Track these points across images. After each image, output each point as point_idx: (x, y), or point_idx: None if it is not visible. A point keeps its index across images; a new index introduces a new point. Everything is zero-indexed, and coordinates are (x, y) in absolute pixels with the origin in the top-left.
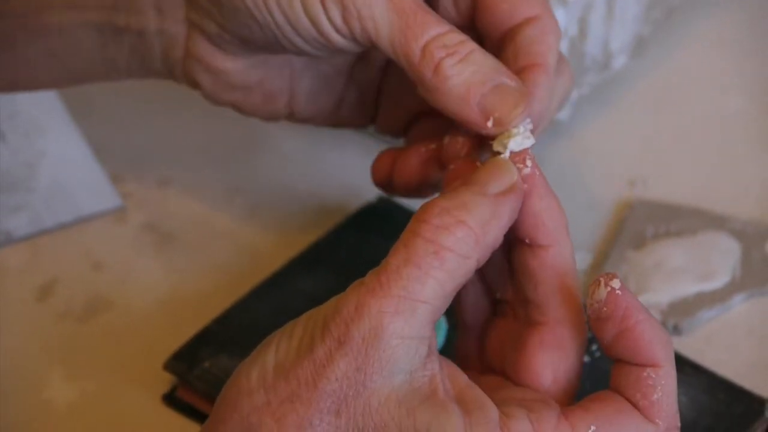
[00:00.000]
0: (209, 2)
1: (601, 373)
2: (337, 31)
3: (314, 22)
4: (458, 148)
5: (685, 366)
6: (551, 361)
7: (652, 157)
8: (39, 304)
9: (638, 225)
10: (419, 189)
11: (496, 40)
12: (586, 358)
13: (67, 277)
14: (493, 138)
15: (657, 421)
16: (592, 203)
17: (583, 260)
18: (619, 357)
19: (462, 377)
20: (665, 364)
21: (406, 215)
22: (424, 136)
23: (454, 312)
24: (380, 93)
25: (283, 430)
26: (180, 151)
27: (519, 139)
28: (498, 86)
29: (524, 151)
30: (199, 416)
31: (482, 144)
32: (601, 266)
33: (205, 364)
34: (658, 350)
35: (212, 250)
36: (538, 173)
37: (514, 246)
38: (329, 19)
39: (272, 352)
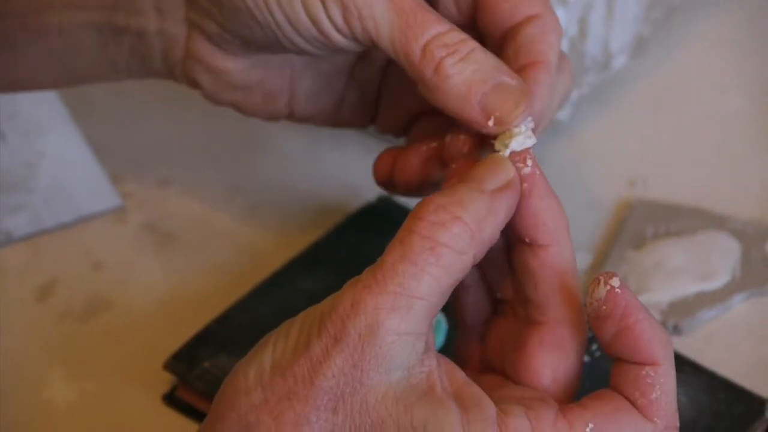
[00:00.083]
0: (209, 2)
1: (601, 372)
2: (338, 30)
3: (315, 22)
4: (460, 147)
5: (685, 366)
6: (551, 360)
7: (652, 157)
8: (39, 304)
9: (638, 225)
10: (421, 188)
11: (497, 39)
12: (586, 358)
13: (67, 277)
14: (494, 137)
15: (655, 419)
16: (592, 203)
17: (583, 260)
18: (618, 355)
19: (459, 374)
20: (664, 362)
21: (406, 215)
22: (425, 135)
23: (454, 312)
24: (381, 92)
25: (281, 427)
26: (180, 151)
27: (520, 139)
28: (499, 85)
29: (525, 151)
30: (199, 416)
31: (484, 142)
32: (601, 266)
33: (205, 364)
34: (657, 349)
35: (212, 250)
36: (538, 173)
37: (514, 245)
38: (330, 18)
39: (269, 351)
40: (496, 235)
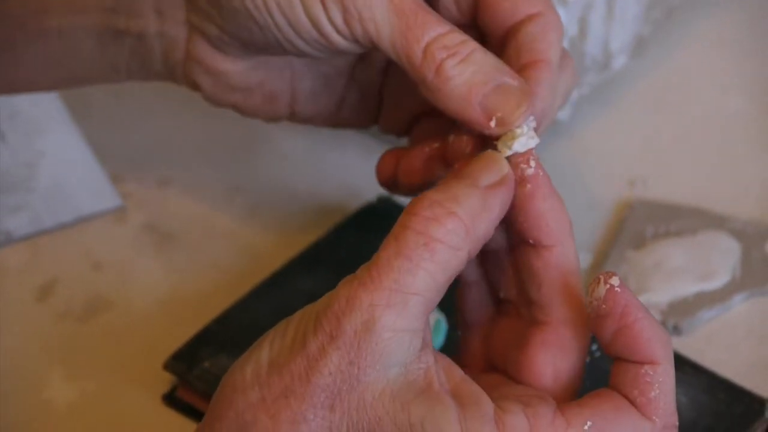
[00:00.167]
0: (209, 4)
1: (601, 372)
2: (338, 32)
3: (315, 24)
4: (462, 147)
5: (685, 366)
6: (553, 361)
7: (652, 157)
8: (39, 304)
9: (638, 225)
10: (424, 188)
11: (498, 38)
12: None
13: (67, 277)
14: (496, 138)
15: (654, 418)
16: (592, 203)
17: (583, 260)
18: (617, 355)
19: (457, 371)
20: (663, 361)
21: None
22: (428, 135)
23: (455, 311)
24: (382, 93)
25: (278, 425)
26: (180, 151)
27: (523, 140)
28: (500, 86)
29: (528, 152)
30: (199, 416)
31: (486, 143)
32: (601, 266)
33: (205, 364)
34: (656, 348)
35: (212, 250)
36: (541, 173)
37: (517, 246)
38: (330, 20)
39: (266, 349)
40: (491, 230)
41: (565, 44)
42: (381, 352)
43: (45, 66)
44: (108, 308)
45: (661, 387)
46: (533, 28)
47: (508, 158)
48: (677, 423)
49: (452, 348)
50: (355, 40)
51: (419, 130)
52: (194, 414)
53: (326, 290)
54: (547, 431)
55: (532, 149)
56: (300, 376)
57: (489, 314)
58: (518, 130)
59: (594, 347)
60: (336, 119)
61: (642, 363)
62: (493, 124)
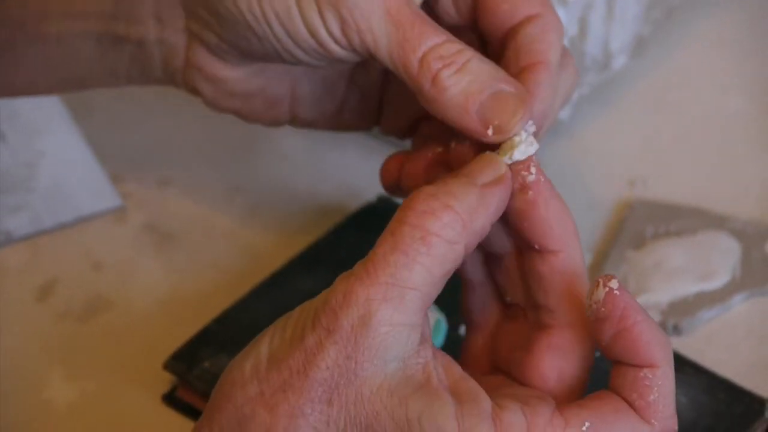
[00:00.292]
0: (208, 13)
1: (601, 373)
2: (336, 42)
3: (313, 34)
4: (464, 153)
5: (685, 366)
6: (558, 364)
7: (652, 157)
8: (39, 304)
9: (638, 225)
10: None
11: (498, 40)
12: None
13: (67, 277)
14: (495, 146)
15: (653, 421)
16: (592, 203)
17: None
18: (617, 358)
19: (456, 368)
20: (663, 364)
21: None
22: (430, 137)
23: (455, 312)
24: (383, 95)
25: (276, 419)
26: (180, 151)
27: (522, 148)
28: (496, 93)
29: (528, 159)
30: (198, 416)
31: (488, 148)
32: (601, 266)
33: (204, 364)
34: (655, 351)
35: (212, 250)
36: (542, 179)
37: (523, 252)
38: (328, 30)
39: (266, 345)
40: (487, 227)
41: (566, 44)
42: (378, 347)
43: (44, 70)
44: (108, 308)
45: (660, 390)
46: (532, 29)
47: (508, 166)
48: (676, 427)
49: (452, 348)
50: (353, 50)
51: (421, 132)
52: (194, 414)
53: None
54: (544, 430)
55: (531, 156)
56: (298, 371)
57: (494, 316)
58: (516, 138)
59: None
60: (337, 123)
61: (641, 366)
62: (490, 132)
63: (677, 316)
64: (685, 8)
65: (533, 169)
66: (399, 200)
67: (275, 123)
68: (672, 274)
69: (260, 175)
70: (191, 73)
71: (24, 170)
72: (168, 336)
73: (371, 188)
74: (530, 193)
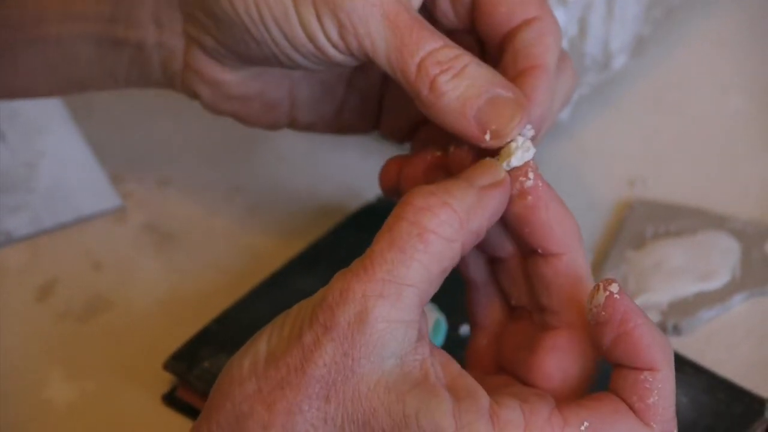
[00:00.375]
0: (206, 17)
1: (601, 373)
2: (334, 46)
3: (311, 38)
4: (463, 158)
5: (685, 366)
6: (562, 365)
7: (652, 157)
8: (39, 304)
9: (638, 225)
10: None
11: (496, 44)
12: None
13: (67, 277)
14: (493, 151)
15: (652, 424)
16: (592, 203)
17: None
18: (617, 361)
19: (454, 366)
20: (663, 367)
21: None
22: (429, 141)
23: (455, 313)
24: (382, 99)
25: (274, 416)
26: (180, 151)
27: (519, 154)
28: (493, 98)
29: (526, 164)
30: (198, 416)
31: (486, 152)
32: (601, 266)
33: (204, 364)
34: (655, 354)
35: (212, 250)
36: (541, 184)
37: (527, 256)
38: (326, 35)
39: (264, 342)
40: (484, 229)
41: (565, 44)
42: (375, 344)
43: (43, 72)
44: (108, 308)
45: (660, 393)
46: (529, 33)
47: (506, 172)
48: (675, 430)
49: (452, 348)
50: (351, 54)
51: (420, 136)
52: (194, 414)
53: None
54: (543, 428)
55: (529, 161)
56: (296, 368)
57: (498, 316)
58: (513, 144)
59: None
60: (336, 126)
61: (641, 369)
62: (488, 137)
63: (677, 316)
64: (685, 8)
65: (531, 175)
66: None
67: (274, 126)
68: (672, 274)
69: (260, 175)
70: (189, 77)
71: (24, 170)
72: (168, 336)
73: (371, 188)
74: (529, 198)
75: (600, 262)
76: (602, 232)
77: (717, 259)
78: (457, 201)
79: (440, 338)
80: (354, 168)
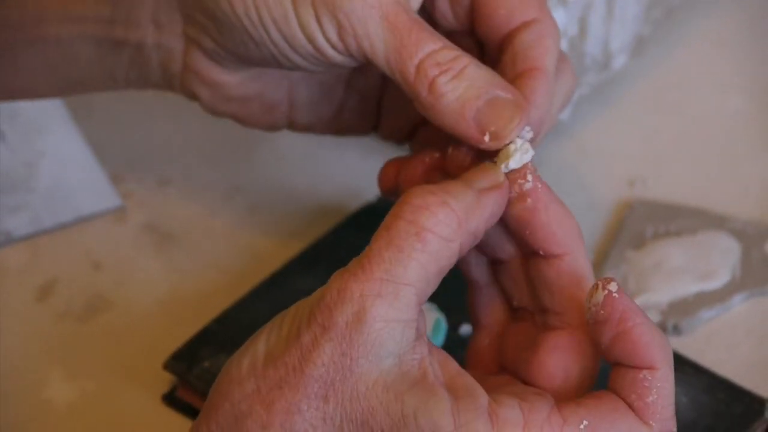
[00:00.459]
0: (205, 18)
1: (601, 372)
2: (333, 47)
3: (310, 39)
4: (461, 159)
5: (685, 366)
6: (564, 364)
7: (652, 157)
8: (39, 304)
9: (638, 225)
10: None
11: (495, 45)
12: None
13: (67, 277)
14: (492, 153)
15: (651, 422)
16: (592, 203)
17: None
18: (616, 360)
19: (452, 365)
20: (662, 366)
21: None
22: (428, 143)
23: (456, 313)
24: (382, 100)
25: (272, 416)
26: (180, 151)
27: (518, 156)
28: (492, 99)
29: (524, 166)
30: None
31: (485, 154)
32: (601, 266)
33: (204, 364)
34: (654, 353)
35: (212, 250)
36: (540, 186)
37: (529, 257)
38: (325, 36)
39: (263, 342)
40: (482, 230)
41: (565, 44)
42: (373, 343)
43: (43, 74)
44: (108, 308)
45: (659, 392)
46: (528, 35)
47: (505, 174)
48: (675, 429)
49: (452, 348)
50: (350, 55)
51: (420, 137)
52: (194, 414)
53: None
54: (542, 426)
55: (527, 164)
56: (294, 368)
57: (500, 317)
58: (512, 147)
59: None
60: (335, 127)
61: (640, 368)
62: (487, 138)
63: (677, 316)
64: (685, 8)
65: (530, 177)
66: None
67: (273, 127)
68: (672, 274)
69: (260, 175)
70: (189, 78)
71: (24, 170)
72: (168, 336)
73: (371, 188)
74: (529, 200)
75: (600, 262)
76: (602, 232)
77: (717, 259)
78: (456, 201)
79: (440, 338)
80: (354, 168)
